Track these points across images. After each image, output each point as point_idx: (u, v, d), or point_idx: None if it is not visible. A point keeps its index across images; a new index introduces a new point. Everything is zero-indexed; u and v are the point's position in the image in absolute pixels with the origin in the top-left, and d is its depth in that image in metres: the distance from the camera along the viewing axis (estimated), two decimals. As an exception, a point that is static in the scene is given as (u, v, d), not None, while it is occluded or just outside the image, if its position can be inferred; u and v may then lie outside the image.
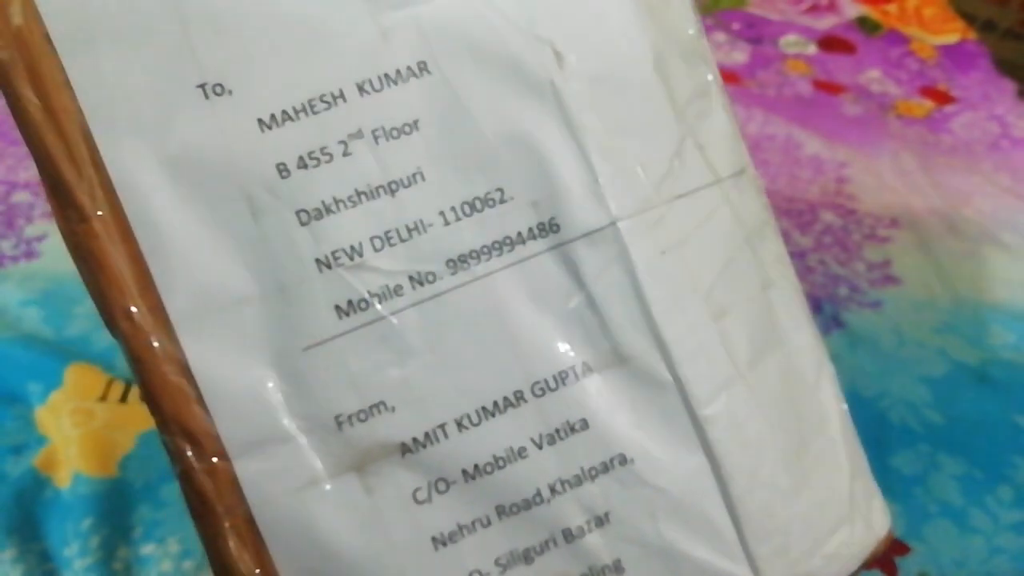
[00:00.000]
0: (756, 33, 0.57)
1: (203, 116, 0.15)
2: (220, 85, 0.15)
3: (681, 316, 0.16)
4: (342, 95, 0.15)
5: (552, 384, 0.16)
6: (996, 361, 0.37)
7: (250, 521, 0.15)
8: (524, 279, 0.16)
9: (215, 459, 0.15)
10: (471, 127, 0.16)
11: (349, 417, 0.15)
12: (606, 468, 0.16)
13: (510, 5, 0.16)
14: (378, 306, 0.15)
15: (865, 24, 0.59)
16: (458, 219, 0.16)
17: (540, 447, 0.16)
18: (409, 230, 0.16)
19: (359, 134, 0.15)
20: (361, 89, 0.15)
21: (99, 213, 0.14)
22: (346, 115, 0.15)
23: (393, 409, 0.15)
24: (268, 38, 0.15)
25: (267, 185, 0.15)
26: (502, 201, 0.16)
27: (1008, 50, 0.74)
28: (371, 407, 0.15)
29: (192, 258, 0.15)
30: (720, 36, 0.56)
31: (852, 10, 0.60)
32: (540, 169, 0.16)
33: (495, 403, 0.16)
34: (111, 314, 0.14)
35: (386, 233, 0.15)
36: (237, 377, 0.15)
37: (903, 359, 0.36)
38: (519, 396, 0.16)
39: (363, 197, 0.15)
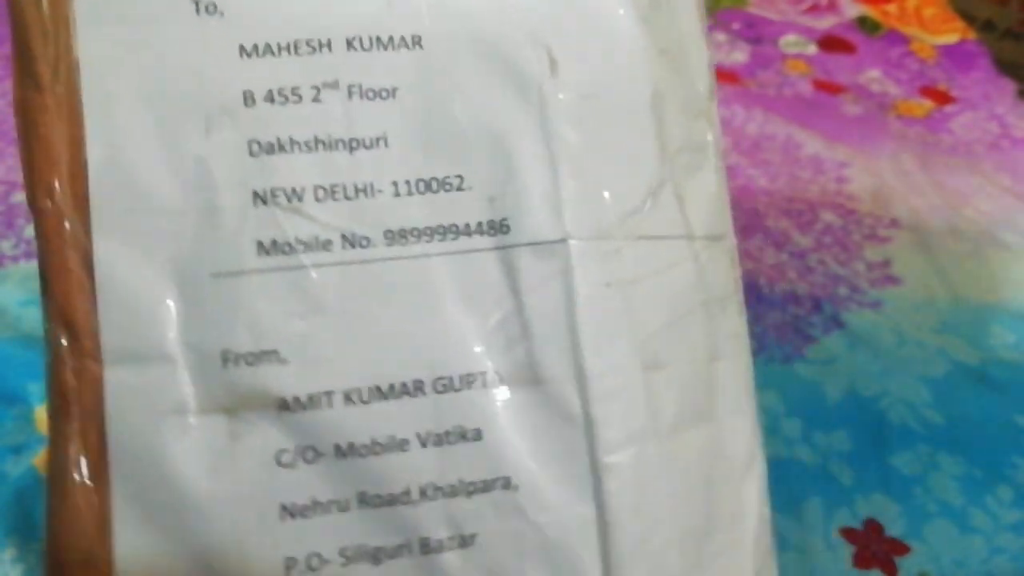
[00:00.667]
0: (756, 33, 0.57)
1: (188, 28, 0.15)
2: (214, 4, 0.15)
3: (609, 353, 0.16)
4: (329, 45, 0.15)
5: (456, 384, 0.15)
6: (996, 361, 0.37)
7: (101, 432, 0.14)
8: (459, 271, 0.16)
9: (88, 360, 0.14)
10: (448, 109, 0.16)
11: (237, 357, 0.15)
12: (486, 488, 0.15)
13: (517, 3, 0.16)
14: (302, 255, 0.15)
15: (865, 24, 0.59)
16: (409, 194, 0.16)
17: (424, 445, 0.15)
18: (357, 190, 0.15)
19: (335, 84, 0.15)
20: (350, 44, 0.15)
21: (56, 89, 0.14)
22: (327, 64, 0.15)
23: (285, 362, 0.15)
24: None
25: (228, 109, 0.15)
26: (459, 188, 0.16)
27: (1008, 50, 0.74)
28: (263, 352, 0.15)
29: (130, 156, 0.14)
30: (720, 36, 0.56)
31: (852, 10, 0.60)
32: (505, 167, 0.16)
33: (391, 386, 0.15)
34: (34, 187, 0.14)
35: (332, 186, 0.15)
36: (137, 284, 0.14)
37: (903, 359, 0.36)
38: (418, 386, 0.15)
39: (320, 146, 0.15)
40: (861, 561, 0.30)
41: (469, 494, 0.15)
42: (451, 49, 0.16)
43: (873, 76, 0.54)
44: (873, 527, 0.31)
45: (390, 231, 0.15)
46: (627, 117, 0.17)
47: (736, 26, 0.57)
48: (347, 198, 0.15)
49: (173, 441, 0.14)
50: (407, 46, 0.16)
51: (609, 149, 0.16)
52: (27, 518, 0.28)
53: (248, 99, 0.15)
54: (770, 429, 0.34)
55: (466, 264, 0.16)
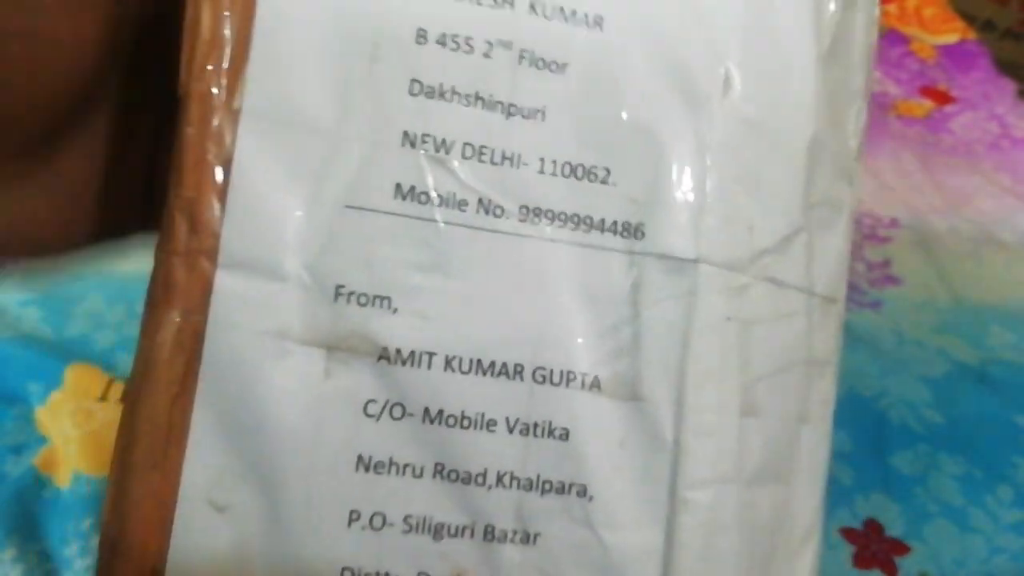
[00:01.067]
0: (756, 33, 0.57)
1: None
2: None
3: (714, 389, 0.15)
4: (512, 2, 0.15)
5: (555, 378, 0.15)
6: (996, 361, 0.37)
7: (198, 335, 0.14)
8: (585, 265, 0.15)
9: (203, 257, 0.14)
10: (611, 98, 0.15)
11: (350, 294, 0.14)
12: (562, 490, 0.15)
13: (707, 10, 0.16)
14: (436, 208, 0.15)
15: (865, 24, 0.59)
16: (554, 174, 0.15)
17: (511, 431, 0.15)
18: (504, 157, 0.15)
19: (508, 44, 0.15)
20: (533, 7, 0.15)
21: None
22: (507, 21, 0.15)
23: (395, 311, 0.14)
24: None
25: (400, 41, 0.15)
26: (603, 181, 0.15)
27: (1008, 50, 0.74)
28: (376, 297, 0.14)
29: (292, 65, 0.14)
30: (720, 36, 0.56)
31: (852, 10, 0.60)
32: (655, 172, 0.15)
33: (492, 363, 0.15)
34: (191, 66, 0.14)
35: (481, 147, 0.15)
36: (270, 195, 0.14)
37: (903, 359, 0.37)
38: (518, 370, 0.15)
39: (479, 103, 0.15)
40: (861, 561, 0.30)
41: (543, 492, 0.15)
42: (629, 40, 0.16)
43: (873, 76, 0.54)
44: (873, 527, 0.31)
45: (526, 207, 0.15)
46: (784, 154, 0.16)
47: (736, 26, 0.57)
48: (493, 163, 0.15)
49: (268, 363, 0.14)
50: (587, 24, 0.15)
51: (759, 182, 0.16)
52: (27, 518, 0.28)
53: (420, 36, 0.15)
54: (770, 429, 0.34)
55: (593, 260, 0.15)
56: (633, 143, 0.15)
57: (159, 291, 0.14)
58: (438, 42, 0.15)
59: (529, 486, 0.15)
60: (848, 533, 0.31)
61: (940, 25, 0.59)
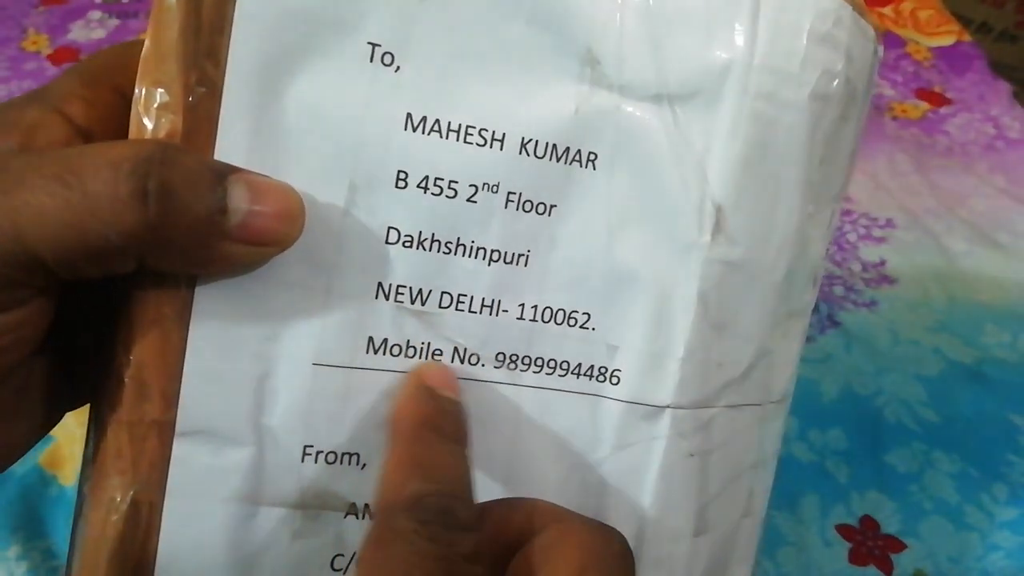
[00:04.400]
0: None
1: (357, 75, 0.13)
2: (391, 55, 0.13)
3: (672, 519, 0.16)
4: (502, 141, 0.14)
5: None
6: (991, 360, 0.37)
7: (154, 506, 0.13)
8: (559, 408, 0.15)
9: (156, 425, 0.13)
10: (599, 242, 0.15)
11: (318, 454, 0.14)
12: None
13: (703, 153, 0.15)
14: (411, 360, 0.14)
15: (861, 27, 0.59)
16: (533, 319, 0.15)
17: None
18: (483, 305, 0.14)
19: (495, 188, 0.14)
20: (524, 146, 0.14)
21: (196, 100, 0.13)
22: (494, 162, 0.14)
23: (364, 467, 0.14)
24: (473, 37, 0.14)
25: (378, 183, 0.14)
26: (583, 327, 0.15)
27: (1003, 52, 0.74)
28: (345, 454, 0.14)
29: None
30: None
31: (848, 13, 0.60)
32: (636, 319, 0.15)
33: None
34: None
35: (460, 295, 0.14)
36: (230, 354, 0.13)
37: (898, 358, 0.37)
38: None
39: (460, 250, 0.14)
40: (857, 557, 0.30)
41: None
42: (623, 181, 0.15)
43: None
44: (869, 524, 0.31)
45: (502, 354, 0.15)
46: (760, 290, 0.16)
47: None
48: (471, 311, 0.14)
49: (234, 529, 0.13)
50: (580, 164, 0.15)
51: (736, 320, 0.16)
52: (31, 516, 0.28)
53: (400, 180, 0.14)
54: (767, 427, 0.34)
55: (567, 403, 0.15)
56: (617, 290, 0.15)
57: (107, 463, 0.13)
58: (419, 186, 0.14)
59: None
60: (844, 530, 0.31)
61: (935, 27, 0.60)
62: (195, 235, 0.12)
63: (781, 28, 0.15)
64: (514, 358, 0.15)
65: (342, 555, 0.14)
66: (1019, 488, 0.32)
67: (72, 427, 0.30)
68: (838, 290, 0.40)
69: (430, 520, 0.12)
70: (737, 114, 0.15)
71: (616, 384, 0.15)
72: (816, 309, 0.39)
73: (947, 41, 0.58)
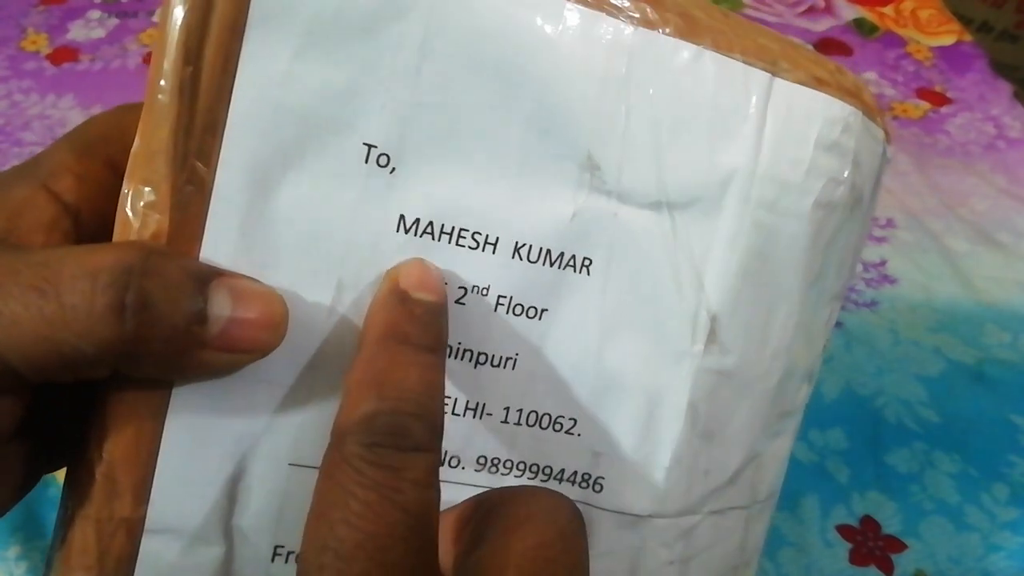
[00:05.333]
0: (753, 35, 0.57)
1: (351, 175, 0.13)
2: (387, 157, 0.13)
3: None
4: (496, 244, 0.14)
5: None
6: (992, 360, 0.37)
7: None
8: None
9: (125, 523, 0.12)
10: (588, 349, 0.15)
11: (289, 554, 0.14)
12: None
13: (700, 260, 0.14)
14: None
15: (861, 26, 0.59)
16: (518, 423, 0.15)
17: None
18: (467, 408, 0.14)
19: (484, 291, 0.14)
20: (517, 250, 0.14)
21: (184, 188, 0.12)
22: (485, 265, 0.14)
23: None
24: (469, 140, 0.14)
25: (364, 284, 0.13)
26: (568, 432, 0.15)
27: (1004, 52, 0.74)
28: None
29: None
30: (718, 38, 0.56)
31: (848, 12, 0.60)
32: (623, 427, 0.15)
33: None
34: None
35: (444, 398, 0.14)
36: (205, 453, 0.13)
37: (899, 358, 0.37)
38: None
39: (448, 350, 0.14)
40: (858, 558, 0.30)
41: None
42: (617, 287, 0.14)
43: (869, 78, 0.55)
44: (870, 524, 0.31)
45: (484, 457, 0.14)
46: (753, 398, 0.16)
47: (733, 28, 0.58)
48: (454, 413, 0.14)
49: None
50: (574, 269, 0.14)
51: (726, 428, 0.15)
52: (31, 516, 0.28)
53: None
54: (767, 428, 0.34)
55: None
56: (604, 393, 0.15)
57: (72, 557, 0.13)
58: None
59: None
60: (845, 530, 0.31)
61: (936, 27, 0.59)
62: (172, 346, 0.12)
63: (787, 137, 0.14)
64: (496, 462, 0.15)
65: None
66: (1020, 488, 0.32)
67: (71, 427, 0.30)
68: (839, 290, 0.40)
69: (379, 442, 0.11)
70: (737, 224, 0.14)
71: (599, 492, 0.15)
72: (817, 309, 0.39)
73: (948, 41, 0.58)
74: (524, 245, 0.14)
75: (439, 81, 0.13)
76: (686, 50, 0.14)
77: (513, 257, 0.14)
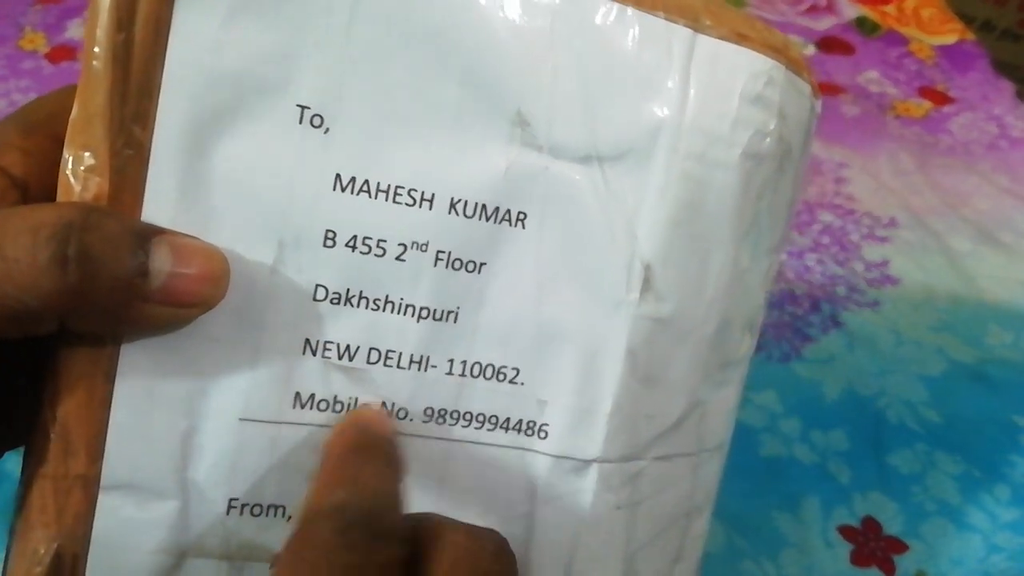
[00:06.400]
0: (755, 34, 0.57)
1: (286, 136, 0.13)
2: (320, 118, 0.14)
3: (598, 571, 0.16)
4: (431, 201, 0.14)
5: None
6: (994, 360, 0.37)
7: (78, 560, 0.13)
8: (487, 462, 0.15)
9: (81, 480, 0.13)
10: (527, 301, 0.15)
11: (243, 506, 0.14)
12: None
13: (633, 212, 0.15)
14: (338, 415, 0.14)
15: (864, 25, 0.59)
16: (463, 375, 0.15)
17: None
18: (412, 361, 0.15)
19: (424, 247, 0.14)
20: (453, 206, 0.14)
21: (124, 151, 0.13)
22: (423, 221, 0.14)
23: (290, 518, 0.14)
24: (402, 100, 0.14)
25: (305, 242, 0.14)
26: (512, 382, 0.15)
27: (1006, 51, 0.74)
28: (270, 507, 0.14)
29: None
30: (719, 37, 0.56)
31: (850, 11, 0.60)
32: (567, 375, 0.15)
33: None
34: None
35: (388, 352, 0.14)
36: (156, 410, 0.13)
37: (901, 358, 0.37)
38: None
39: (388, 307, 0.14)
40: (860, 559, 0.30)
41: None
42: (553, 239, 0.15)
43: (871, 77, 0.54)
44: (871, 525, 0.31)
45: (431, 409, 0.15)
46: (691, 345, 0.16)
47: (735, 27, 0.57)
48: (399, 367, 0.15)
49: None
50: (510, 223, 0.15)
51: (666, 374, 0.16)
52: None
53: (328, 239, 0.14)
54: (769, 428, 0.34)
55: (495, 456, 0.15)
56: (545, 343, 0.15)
57: (32, 516, 0.13)
58: (348, 245, 0.14)
59: None
60: (846, 531, 0.31)
61: (938, 26, 0.59)
62: (115, 298, 0.12)
63: (712, 91, 0.15)
64: (443, 413, 0.15)
65: None
66: (1022, 489, 0.32)
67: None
68: (841, 290, 0.40)
69: (350, 528, 0.12)
70: (667, 174, 0.15)
71: (544, 438, 0.15)
72: (818, 309, 0.39)
73: (950, 40, 0.58)
74: (460, 201, 0.14)
75: (370, 42, 0.14)
76: (609, 7, 0.15)
77: (449, 213, 0.14)
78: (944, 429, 0.34)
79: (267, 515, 0.14)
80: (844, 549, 0.30)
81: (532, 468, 0.15)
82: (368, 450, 0.13)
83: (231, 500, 0.14)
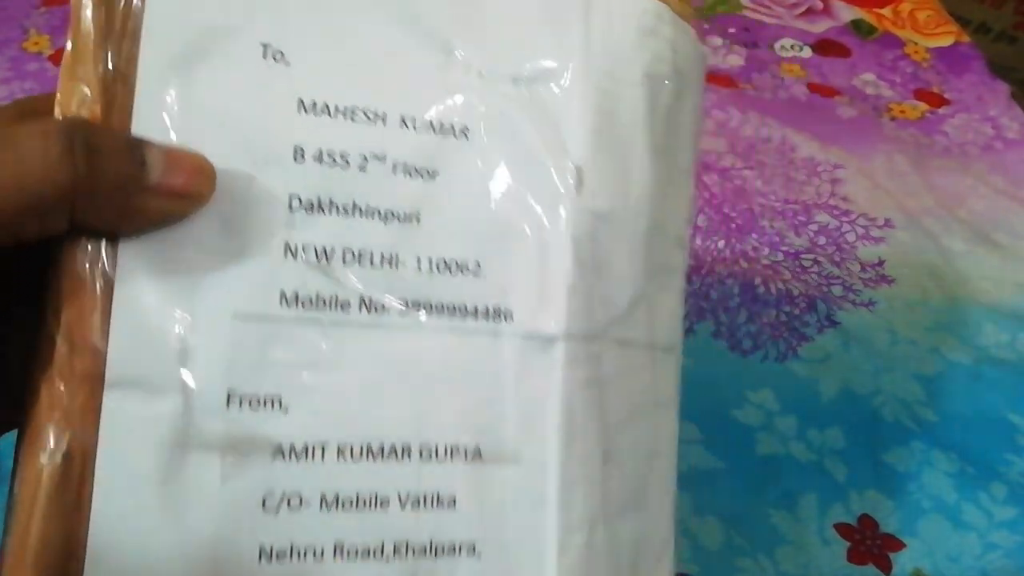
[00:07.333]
0: (752, 37, 0.57)
1: (252, 71, 0.16)
2: (281, 53, 0.16)
3: (580, 445, 0.17)
4: (384, 118, 0.17)
5: (440, 453, 0.16)
6: (989, 359, 0.37)
7: (87, 455, 0.14)
8: (461, 349, 0.17)
9: (87, 378, 0.14)
10: (480, 200, 0.17)
11: (241, 399, 0.15)
12: (453, 551, 0.16)
13: (560, 118, 0.18)
14: (320, 312, 0.15)
15: (859, 27, 0.59)
16: (430, 271, 0.17)
17: (403, 505, 0.16)
18: (383, 259, 0.16)
19: (382, 157, 0.16)
20: (403, 121, 0.17)
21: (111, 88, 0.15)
22: (379, 136, 0.16)
23: (287, 409, 0.15)
24: (350, 37, 0.17)
25: (277, 159, 0.16)
26: (475, 274, 0.17)
27: (1002, 53, 0.75)
28: (267, 398, 0.15)
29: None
30: (716, 40, 0.56)
31: (846, 14, 0.60)
32: (520, 263, 0.17)
33: (381, 447, 0.16)
34: None
35: (360, 252, 0.16)
36: (154, 310, 0.14)
37: (897, 357, 0.37)
38: (406, 450, 0.16)
39: (357, 212, 0.16)
40: (856, 556, 0.30)
41: (437, 555, 0.16)
42: (492, 147, 0.17)
43: (867, 79, 0.55)
44: (867, 523, 0.31)
45: (405, 301, 0.16)
46: (628, 239, 0.18)
47: (732, 30, 0.58)
48: (372, 265, 0.16)
49: (165, 475, 0.14)
50: (454, 135, 0.17)
51: (608, 264, 0.18)
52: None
53: (298, 154, 0.16)
54: (765, 426, 0.34)
55: (468, 344, 0.17)
56: (500, 238, 0.17)
57: (41, 415, 0.14)
58: (315, 158, 0.16)
59: (424, 551, 0.16)
60: (843, 529, 0.31)
61: (934, 28, 0.60)
62: (119, 188, 0.14)
63: (612, 21, 0.19)
64: (416, 304, 0.16)
65: (271, 495, 0.15)
66: (1017, 487, 0.33)
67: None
68: (836, 290, 0.40)
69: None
70: (584, 90, 0.18)
71: (510, 321, 0.17)
72: (814, 309, 0.39)
73: (946, 42, 0.59)
74: (409, 117, 0.17)
75: None
76: None
77: (401, 127, 0.17)
78: (940, 427, 0.34)
79: (265, 406, 0.15)
80: (841, 547, 0.31)
81: (503, 350, 0.17)
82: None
83: (230, 393, 0.15)
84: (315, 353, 0.15)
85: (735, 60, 0.55)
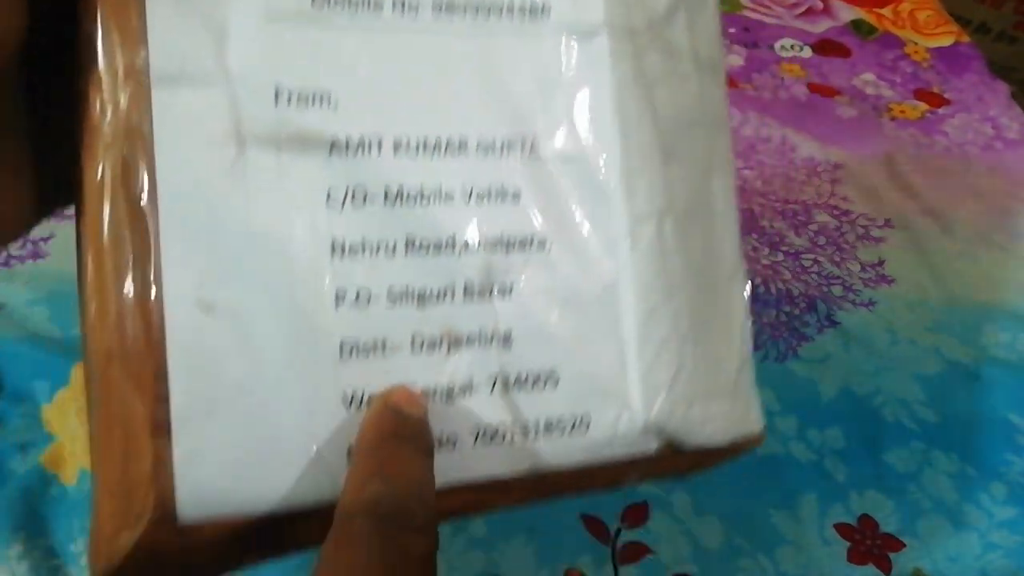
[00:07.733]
0: (752, 37, 0.58)
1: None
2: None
3: (637, 137, 0.17)
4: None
5: (500, 148, 0.16)
6: (989, 359, 0.37)
7: (147, 151, 0.14)
8: (508, 48, 0.16)
9: (133, 78, 0.14)
10: None
11: (291, 93, 0.15)
12: (523, 245, 0.16)
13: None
14: (355, 11, 0.15)
15: (859, 28, 0.59)
16: None
17: (468, 199, 0.16)
18: None
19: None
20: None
21: None
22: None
23: (337, 104, 0.15)
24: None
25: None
26: None
27: (1001, 53, 0.75)
28: (316, 93, 0.15)
29: None
30: (716, 40, 0.57)
31: (846, 14, 0.60)
32: None
33: (437, 141, 0.16)
34: None
35: None
36: (191, 9, 0.14)
37: (897, 357, 0.37)
38: (463, 144, 0.16)
39: None
40: (856, 556, 0.30)
41: (508, 250, 0.16)
42: None
43: (867, 79, 0.55)
44: (868, 523, 0.31)
45: (439, 4, 0.16)
46: None
47: (732, 30, 0.58)
48: None
49: (224, 169, 0.14)
50: None
51: None
52: (32, 515, 0.28)
53: None
54: (766, 426, 0.34)
55: (506, 43, 0.16)
56: None
57: (95, 119, 0.14)
58: None
59: (494, 247, 0.16)
60: (843, 529, 0.31)
61: (934, 28, 0.60)
62: None
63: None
64: (451, 6, 0.16)
65: (336, 189, 0.15)
66: (1017, 487, 0.33)
67: (74, 427, 0.30)
68: (837, 290, 0.40)
69: (386, 521, 0.12)
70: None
71: (549, 16, 0.17)
72: (814, 309, 0.39)
73: (946, 42, 0.59)
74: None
75: None
76: None
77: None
78: (940, 427, 0.34)
79: (314, 104, 0.15)
80: (841, 547, 0.31)
81: (548, 44, 0.17)
82: (400, 434, 0.14)
83: (278, 89, 0.15)
84: (355, 52, 0.15)
85: (735, 60, 0.55)
